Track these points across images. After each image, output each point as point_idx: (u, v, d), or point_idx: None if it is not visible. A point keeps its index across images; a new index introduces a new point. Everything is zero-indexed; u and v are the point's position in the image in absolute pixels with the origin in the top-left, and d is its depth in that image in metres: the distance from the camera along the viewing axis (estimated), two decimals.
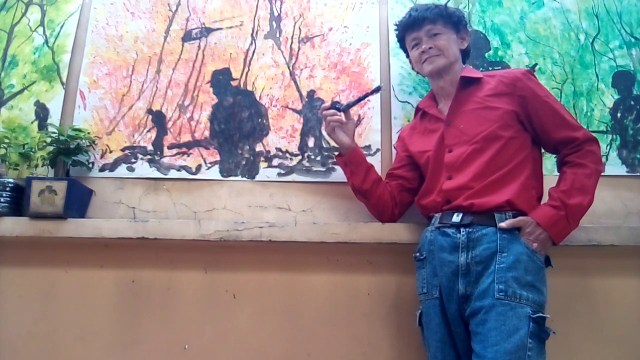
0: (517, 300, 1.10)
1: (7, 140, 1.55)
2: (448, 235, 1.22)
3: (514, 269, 1.12)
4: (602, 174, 1.53)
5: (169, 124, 1.62)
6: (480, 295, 1.13)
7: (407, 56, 1.50)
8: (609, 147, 1.60)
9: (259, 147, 1.60)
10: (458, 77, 1.35)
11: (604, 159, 1.57)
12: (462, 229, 1.20)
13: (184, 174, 1.58)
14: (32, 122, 1.62)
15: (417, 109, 1.49)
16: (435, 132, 1.35)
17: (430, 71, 1.38)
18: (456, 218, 1.21)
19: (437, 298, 1.21)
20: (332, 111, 1.41)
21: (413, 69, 1.52)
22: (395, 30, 1.50)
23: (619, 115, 1.63)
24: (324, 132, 1.55)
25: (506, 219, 1.18)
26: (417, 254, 1.32)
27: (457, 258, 1.18)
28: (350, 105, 1.44)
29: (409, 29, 1.41)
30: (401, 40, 1.49)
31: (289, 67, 1.67)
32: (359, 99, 1.44)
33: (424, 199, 1.34)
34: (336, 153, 1.48)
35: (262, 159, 1.60)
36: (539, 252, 1.16)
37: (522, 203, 1.19)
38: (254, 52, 1.68)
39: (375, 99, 1.61)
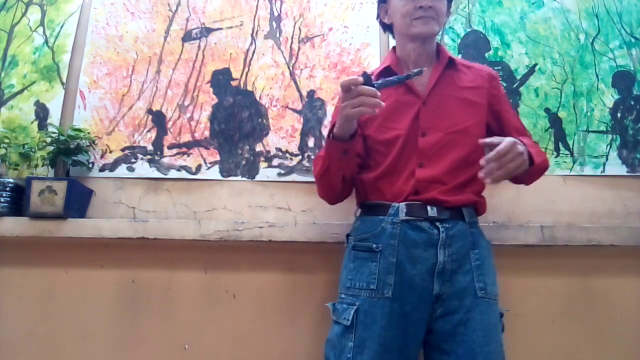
0: (494, 298, 1.11)
1: (7, 140, 1.55)
2: (423, 230, 1.11)
3: (486, 266, 1.12)
4: (602, 173, 1.55)
5: (169, 124, 1.62)
6: (459, 294, 1.08)
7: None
8: (609, 147, 1.60)
9: (259, 147, 1.60)
10: (433, 50, 1.26)
11: (604, 159, 1.58)
12: (440, 225, 1.12)
13: (184, 174, 1.58)
14: (32, 122, 1.62)
15: (383, 73, 1.25)
16: (408, 107, 1.20)
17: (421, 33, 1.20)
18: (432, 212, 1.12)
19: (389, 298, 1.08)
20: (372, 90, 1.03)
21: (378, 17, 1.32)
22: None
23: (619, 115, 1.63)
24: (344, 112, 1.06)
25: (471, 214, 1.16)
26: (368, 244, 1.15)
27: (434, 255, 1.10)
28: (386, 84, 1.08)
29: None
30: None
31: (289, 67, 1.67)
32: (399, 79, 1.10)
33: (384, 181, 1.18)
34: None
35: (262, 159, 1.60)
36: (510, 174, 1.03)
37: (481, 205, 1.21)
38: (254, 52, 1.68)
39: None
